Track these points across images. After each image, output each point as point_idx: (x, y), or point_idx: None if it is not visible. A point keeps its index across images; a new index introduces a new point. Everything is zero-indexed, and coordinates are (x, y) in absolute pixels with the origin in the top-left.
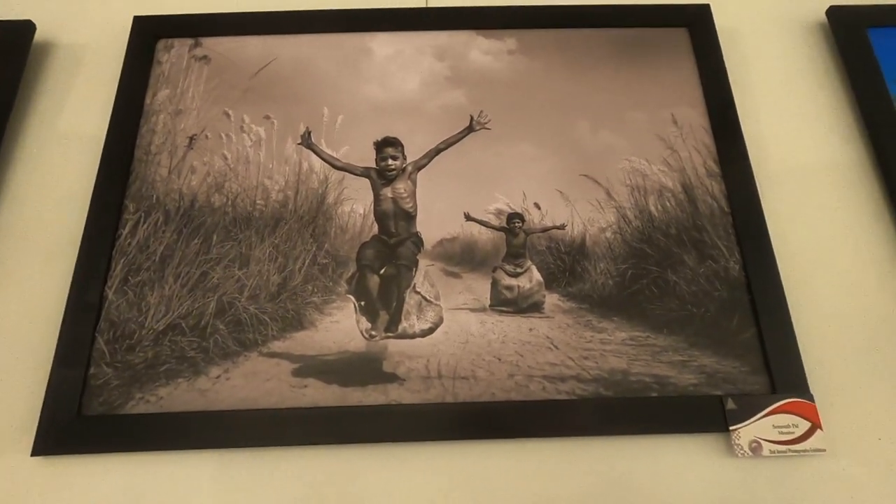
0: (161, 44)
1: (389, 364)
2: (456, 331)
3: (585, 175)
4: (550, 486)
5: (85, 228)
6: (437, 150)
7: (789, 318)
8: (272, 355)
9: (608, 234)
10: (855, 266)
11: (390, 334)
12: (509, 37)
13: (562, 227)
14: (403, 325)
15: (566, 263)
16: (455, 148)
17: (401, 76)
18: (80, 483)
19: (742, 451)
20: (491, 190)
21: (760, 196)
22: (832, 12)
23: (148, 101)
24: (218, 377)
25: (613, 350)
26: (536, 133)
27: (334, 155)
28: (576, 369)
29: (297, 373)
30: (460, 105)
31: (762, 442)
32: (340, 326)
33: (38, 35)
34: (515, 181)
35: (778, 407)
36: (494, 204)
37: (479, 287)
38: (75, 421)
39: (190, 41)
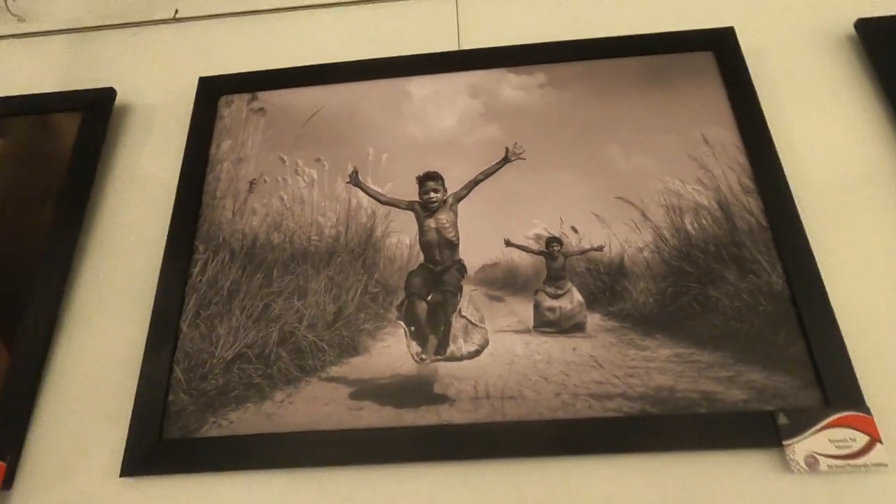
0: (223, 100)
1: (440, 386)
2: (502, 352)
3: (620, 197)
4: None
5: (161, 268)
6: (476, 182)
7: (838, 330)
8: (330, 380)
9: (646, 254)
10: None
11: (439, 357)
12: (539, 71)
13: (599, 248)
14: (451, 348)
15: (606, 283)
16: (493, 178)
17: (438, 115)
18: (162, 502)
19: (798, 467)
20: (529, 216)
21: (799, 210)
22: (861, 24)
23: (213, 151)
24: (282, 401)
25: (658, 367)
26: (570, 160)
27: (380, 191)
28: (621, 387)
29: (353, 396)
30: (495, 138)
31: (819, 457)
32: (392, 351)
33: (119, 99)
34: (552, 207)
35: (833, 421)
36: (533, 229)
37: (522, 310)
38: (157, 445)
39: (248, 96)
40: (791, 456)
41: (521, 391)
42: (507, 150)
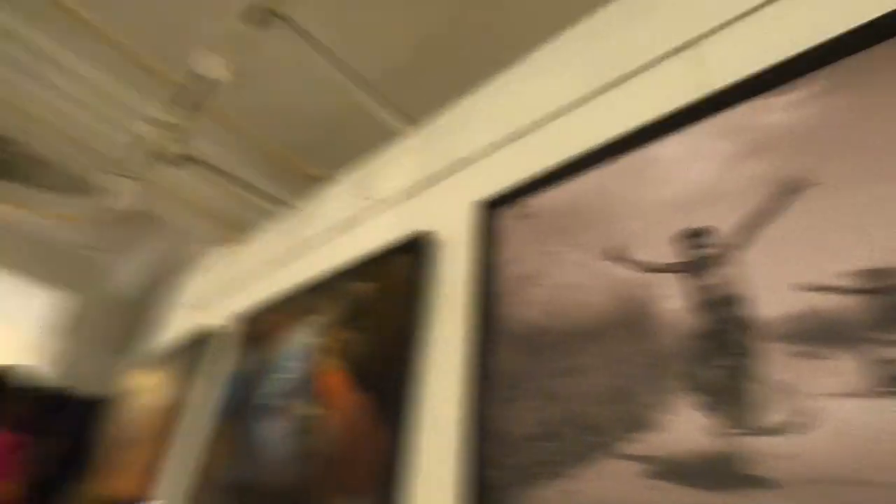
0: (496, 213)
1: (750, 465)
2: (833, 422)
3: None
4: None
5: (469, 358)
6: (755, 226)
7: None
8: (620, 457)
9: None
10: None
11: (742, 431)
12: (808, 83)
13: None
14: (754, 419)
15: None
16: (781, 217)
17: (693, 170)
18: None
19: None
20: (837, 249)
21: None
22: None
23: (493, 259)
24: (574, 477)
25: None
26: (882, 172)
27: (643, 260)
28: None
29: (647, 474)
30: (769, 173)
31: None
32: (682, 425)
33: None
34: (872, 230)
35: None
36: (847, 264)
37: (848, 366)
38: None
39: (515, 206)
40: None
41: (867, 474)
42: (789, 181)
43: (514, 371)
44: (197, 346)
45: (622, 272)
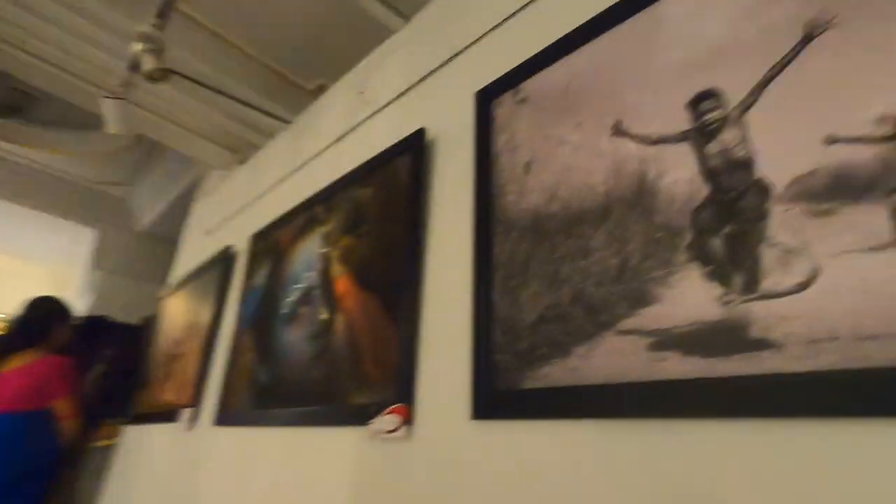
0: (494, 102)
1: (758, 329)
2: (847, 279)
3: None
4: None
5: (473, 250)
6: (767, 80)
7: None
8: (627, 332)
9: None
10: None
11: (751, 296)
12: None
13: None
14: (766, 283)
15: None
16: (794, 66)
17: (701, 25)
18: (499, 440)
19: None
20: (859, 95)
21: None
22: None
23: (493, 149)
24: (583, 355)
25: None
26: None
27: (647, 133)
28: None
29: (653, 347)
30: (786, 20)
31: None
32: (689, 297)
33: (428, 135)
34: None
35: None
36: (871, 111)
37: (870, 220)
38: (491, 395)
39: (511, 91)
40: None
41: (887, 327)
42: (805, 26)
43: (520, 259)
44: (220, 267)
45: (625, 148)
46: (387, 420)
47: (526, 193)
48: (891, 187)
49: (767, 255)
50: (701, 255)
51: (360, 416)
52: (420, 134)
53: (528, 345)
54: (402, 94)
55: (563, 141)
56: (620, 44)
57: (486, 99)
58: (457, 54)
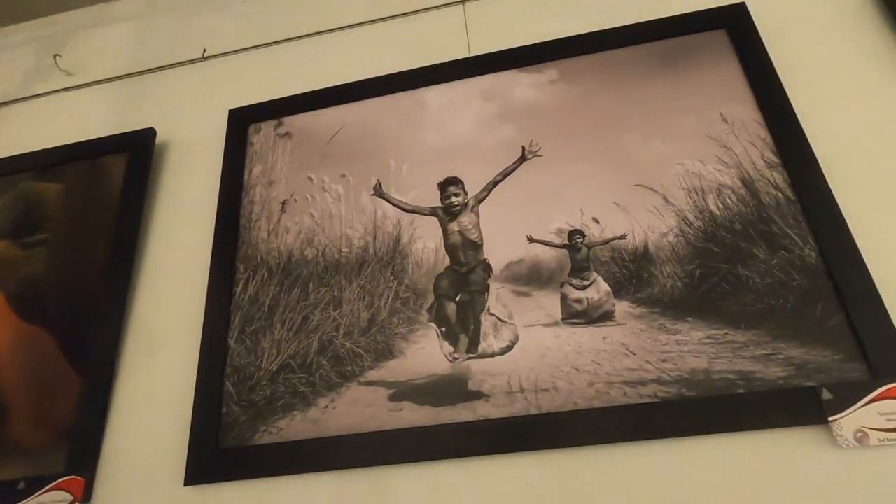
0: (252, 128)
1: (474, 383)
2: (532, 346)
3: (640, 184)
4: (650, 489)
5: (207, 290)
6: (495, 183)
7: (880, 298)
8: (370, 384)
9: (670, 238)
10: None
11: (471, 355)
12: (549, 68)
13: (623, 237)
14: (482, 345)
15: (632, 271)
16: (512, 177)
17: (454, 121)
18: None
19: (847, 442)
20: (549, 211)
21: (828, 179)
22: None
23: (246, 177)
24: (326, 407)
25: (691, 350)
26: (587, 152)
27: (403, 200)
28: (655, 373)
29: (392, 398)
30: (511, 138)
31: (868, 431)
32: (426, 352)
33: (159, 137)
34: (572, 200)
35: (882, 393)
36: (554, 224)
37: (549, 303)
38: (215, 454)
39: (274, 122)
40: (838, 432)
41: (553, 383)
42: (523, 148)
43: (266, 301)
44: None
45: (384, 208)
46: (46, 499)
47: (280, 232)
48: (561, 281)
49: (486, 322)
50: (438, 316)
51: None
52: (149, 134)
53: (267, 396)
54: (124, 76)
55: (325, 188)
56: (390, 111)
57: (243, 120)
58: (209, 57)
